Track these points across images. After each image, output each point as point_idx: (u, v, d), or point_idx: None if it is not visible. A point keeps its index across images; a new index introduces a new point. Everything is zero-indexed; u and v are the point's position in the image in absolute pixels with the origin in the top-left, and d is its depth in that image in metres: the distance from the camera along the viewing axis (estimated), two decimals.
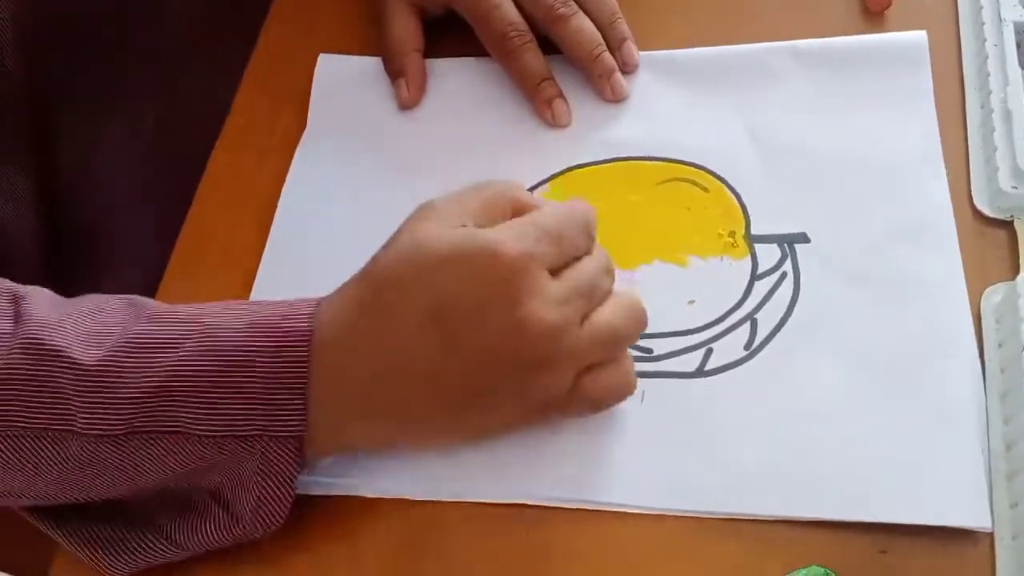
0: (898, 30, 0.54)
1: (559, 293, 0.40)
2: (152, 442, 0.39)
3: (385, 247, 0.41)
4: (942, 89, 0.52)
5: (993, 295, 0.45)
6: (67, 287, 0.44)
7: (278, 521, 0.41)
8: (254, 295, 0.51)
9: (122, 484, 0.41)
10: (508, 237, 0.40)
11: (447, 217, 0.41)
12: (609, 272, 0.43)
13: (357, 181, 0.54)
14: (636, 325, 0.43)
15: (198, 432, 0.39)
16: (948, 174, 0.49)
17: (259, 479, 0.40)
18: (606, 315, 0.42)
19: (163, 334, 0.40)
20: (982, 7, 0.54)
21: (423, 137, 0.55)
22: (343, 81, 0.58)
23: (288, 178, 0.55)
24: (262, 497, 0.41)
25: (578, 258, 0.42)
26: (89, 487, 0.41)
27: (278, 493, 0.41)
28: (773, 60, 0.54)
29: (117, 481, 0.41)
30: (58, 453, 0.40)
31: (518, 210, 0.43)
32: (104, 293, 0.43)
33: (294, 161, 0.55)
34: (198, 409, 0.39)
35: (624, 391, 0.43)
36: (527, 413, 0.42)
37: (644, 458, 0.43)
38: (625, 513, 0.42)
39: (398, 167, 0.54)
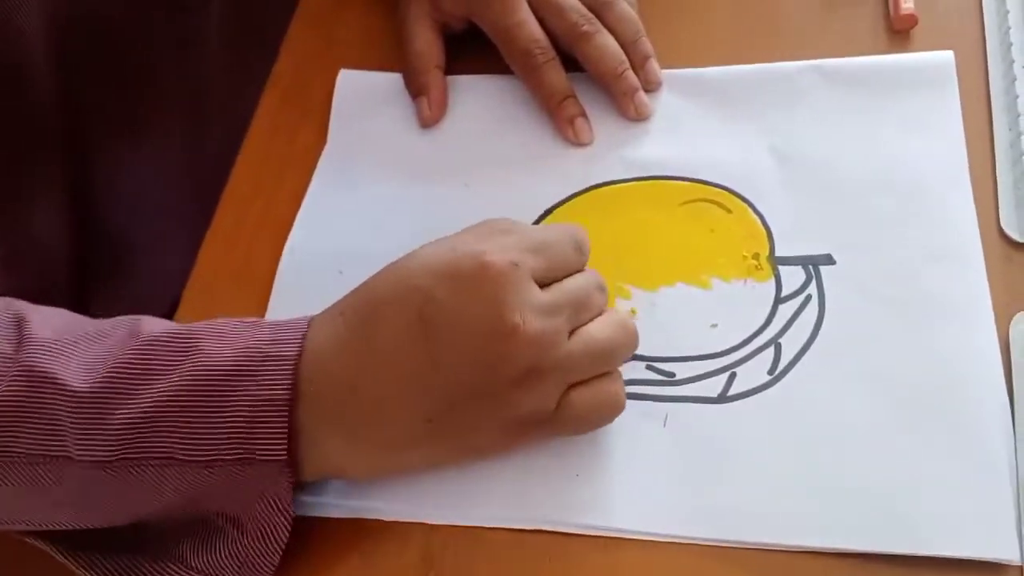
0: (923, 49, 0.54)
1: (547, 302, 0.40)
2: (143, 469, 0.39)
3: (376, 273, 0.42)
4: (969, 110, 0.51)
5: (1022, 322, 0.44)
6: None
7: (282, 541, 0.41)
8: (269, 313, 0.50)
9: (121, 511, 0.41)
10: (493, 248, 0.40)
11: (436, 244, 0.42)
12: (601, 289, 0.43)
13: (376, 198, 0.54)
14: (628, 341, 0.42)
15: (185, 459, 0.39)
16: (975, 198, 0.48)
17: (259, 502, 0.40)
18: (596, 328, 0.41)
19: (155, 359, 0.40)
20: (1010, 27, 0.53)
21: (443, 154, 0.55)
22: (364, 97, 0.58)
23: (307, 194, 0.54)
24: (264, 520, 0.41)
25: (569, 275, 0.42)
26: (90, 514, 0.41)
27: (278, 518, 0.40)
28: (798, 79, 0.54)
29: (116, 507, 0.41)
30: (56, 479, 0.40)
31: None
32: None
33: (314, 177, 0.55)
34: (184, 436, 0.39)
35: (613, 410, 0.42)
36: (510, 432, 0.41)
37: (666, 485, 0.43)
38: (646, 541, 0.42)
39: (418, 184, 0.54)
